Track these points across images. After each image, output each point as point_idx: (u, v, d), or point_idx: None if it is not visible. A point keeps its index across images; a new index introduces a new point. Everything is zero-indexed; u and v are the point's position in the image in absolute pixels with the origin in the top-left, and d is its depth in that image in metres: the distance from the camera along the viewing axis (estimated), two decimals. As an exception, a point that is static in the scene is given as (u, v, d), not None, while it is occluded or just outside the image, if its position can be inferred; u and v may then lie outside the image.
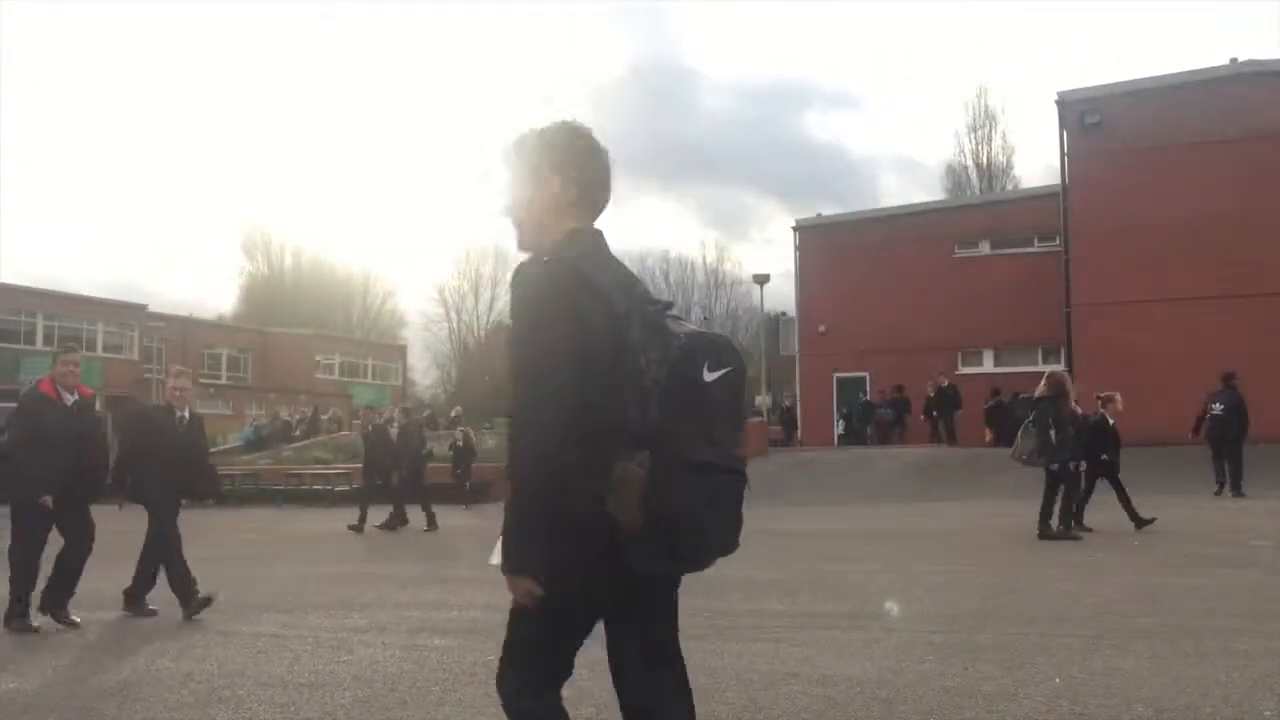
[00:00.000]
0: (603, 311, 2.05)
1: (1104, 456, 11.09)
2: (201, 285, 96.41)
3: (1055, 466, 10.12)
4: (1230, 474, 15.40)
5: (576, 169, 2.22)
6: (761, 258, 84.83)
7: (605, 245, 2.25)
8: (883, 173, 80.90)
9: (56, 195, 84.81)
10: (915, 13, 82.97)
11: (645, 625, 2.18)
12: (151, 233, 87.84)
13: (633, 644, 2.18)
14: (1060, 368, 10.36)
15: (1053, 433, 10.10)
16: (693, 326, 2.10)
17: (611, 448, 1.98)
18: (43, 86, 78.65)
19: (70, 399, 6.54)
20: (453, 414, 36.07)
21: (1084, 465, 10.79)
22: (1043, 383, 10.65)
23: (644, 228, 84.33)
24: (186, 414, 7.26)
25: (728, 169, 79.99)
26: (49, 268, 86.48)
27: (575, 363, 1.99)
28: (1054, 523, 10.21)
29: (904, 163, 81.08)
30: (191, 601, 6.62)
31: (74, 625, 6.40)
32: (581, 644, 2.17)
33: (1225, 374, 15.85)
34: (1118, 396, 11.70)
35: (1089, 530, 10.65)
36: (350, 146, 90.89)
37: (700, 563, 2.07)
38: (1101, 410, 11.48)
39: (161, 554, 6.83)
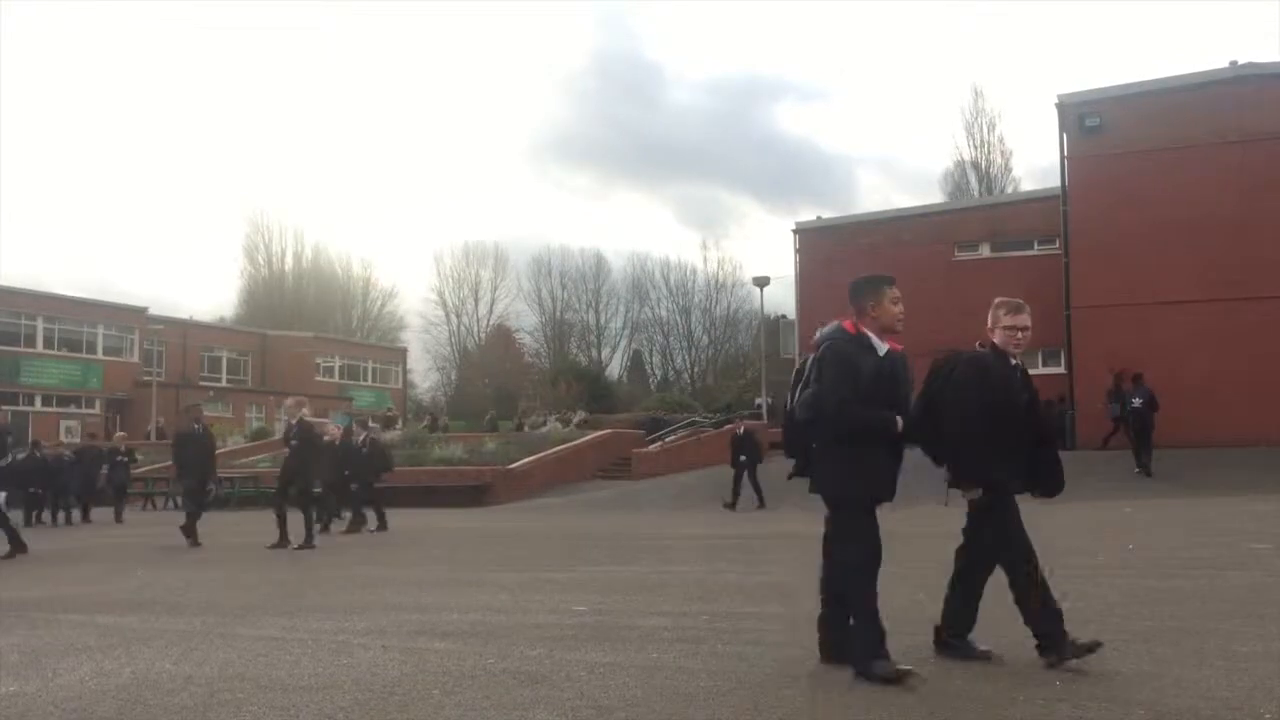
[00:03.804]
0: None
1: None
2: (202, 288, 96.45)
3: None
4: (1144, 457, 17.86)
5: None
6: (746, 255, 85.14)
7: None
8: (861, 171, 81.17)
9: (55, 197, 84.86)
10: (904, 8, 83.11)
11: None
12: (152, 235, 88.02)
13: None
14: None
15: None
16: None
17: None
18: (42, 87, 78.69)
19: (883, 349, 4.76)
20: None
21: None
22: None
23: (622, 225, 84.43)
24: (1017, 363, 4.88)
25: (701, 165, 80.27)
26: (47, 270, 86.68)
27: None
28: None
29: (883, 161, 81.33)
30: (1065, 649, 4.36)
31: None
32: None
33: (1135, 374, 18.53)
34: None
35: None
36: (350, 149, 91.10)
37: None
38: None
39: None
